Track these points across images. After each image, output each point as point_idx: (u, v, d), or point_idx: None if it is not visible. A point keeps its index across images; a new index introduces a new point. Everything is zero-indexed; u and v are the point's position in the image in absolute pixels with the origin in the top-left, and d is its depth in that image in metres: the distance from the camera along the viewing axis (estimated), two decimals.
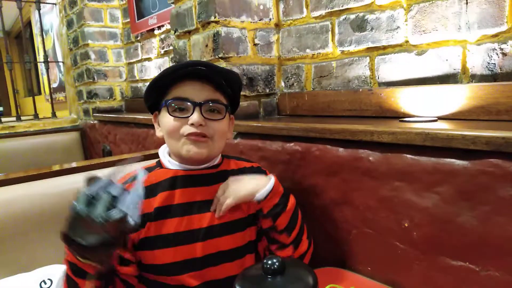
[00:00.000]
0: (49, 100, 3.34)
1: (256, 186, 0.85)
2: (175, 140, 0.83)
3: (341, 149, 0.98)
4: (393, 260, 0.89)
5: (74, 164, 1.30)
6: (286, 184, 1.15)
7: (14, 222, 0.99)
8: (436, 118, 0.95)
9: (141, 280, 0.88)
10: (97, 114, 2.63)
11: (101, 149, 2.58)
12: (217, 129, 0.84)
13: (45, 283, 0.87)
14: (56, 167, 1.21)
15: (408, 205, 0.84)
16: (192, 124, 0.81)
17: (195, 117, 0.81)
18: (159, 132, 0.89)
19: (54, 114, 3.09)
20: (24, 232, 1.00)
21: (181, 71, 0.82)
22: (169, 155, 0.91)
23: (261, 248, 0.97)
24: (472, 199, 0.74)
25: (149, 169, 0.89)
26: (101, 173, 0.62)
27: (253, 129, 1.25)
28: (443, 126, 0.83)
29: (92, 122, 2.74)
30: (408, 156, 0.83)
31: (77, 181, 1.14)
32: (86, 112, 2.80)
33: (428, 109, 0.99)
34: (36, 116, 2.99)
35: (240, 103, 1.35)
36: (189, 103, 0.81)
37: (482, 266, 0.73)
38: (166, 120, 0.84)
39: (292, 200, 0.91)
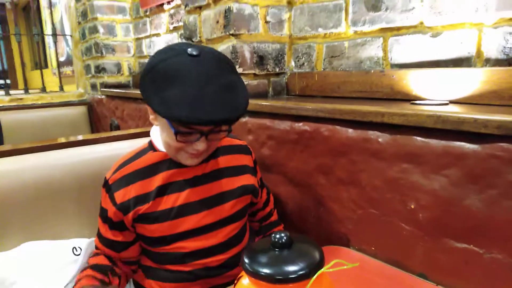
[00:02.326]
0: (56, 74, 3.34)
1: None
2: (175, 151, 0.83)
3: (350, 130, 0.98)
4: (397, 240, 0.90)
5: (80, 137, 1.31)
6: (293, 163, 1.16)
7: (24, 191, 1.01)
8: (448, 102, 0.95)
9: (142, 253, 0.94)
10: (105, 89, 2.63)
11: (109, 124, 2.59)
12: (217, 143, 0.86)
13: (76, 250, 0.95)
14: (62, 140, 1.22)
15: (415, 187, 0.84)
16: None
17: (201, 146, 0.79)
18: (154, 121, 0.86)
19: (61, 88, 3.10)
20: (34, 200, 1.02)
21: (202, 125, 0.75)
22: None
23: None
24: (480, 183, 0.74)
25: (143, 151, 0.91)
26: None
27: (262, 108, 1.25)
28: (455, 110, 0.83)
29: (99, 97, 2.74)
30: (418, 138, 0.83)
31: (83, 153, 1.16)
32: (93, 86, 2.81)
33: (440, 93, 0.98)
34: (43, 89, 3.00)
35: (250, 81, 1.35)
36: (197, 133, 0.78)
37: (486, 249, 0.74)
38: (168, 135, 0.80)
39: None
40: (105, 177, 0.89)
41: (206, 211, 0.88)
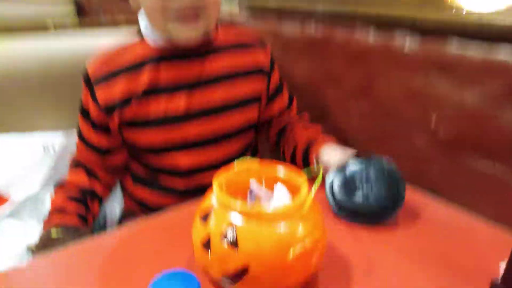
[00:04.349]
0: None
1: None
2: (161, 20, 0.69)
3: (371, 35, 0.84)
4: (410, 157, 0.82)
5: (67, 21, 1.17)
6: (300, 72, 1.04)
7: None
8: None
9: (131, 157, 0.84)
10: None
11: None
12: (210, 2, 0.69)
13: (48, 150, 0.87)
14: (39, 24, 1.06)
15: (440, 99, 0.74)
16: None
17: None
18: (133, 1, 0.73)
19: None
20: (5, 89, 0.90)
21: None
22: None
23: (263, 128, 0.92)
24: None
25: (131, 42, 0.77)
26: None
27: (267, 4, 1.08)
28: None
29: None
30: (454, 45, 0.71)
31: (63, 40, 1.01)
32: None
33: None
34: None
35: None
36: None
37: None
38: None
39: None
40: (86, 68, 0.76)
41: (204, 122, 0.77)
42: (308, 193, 0.48)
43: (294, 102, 0.93)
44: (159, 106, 0.74)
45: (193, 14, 0.68)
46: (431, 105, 0.76)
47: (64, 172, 0.79)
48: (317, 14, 0.95)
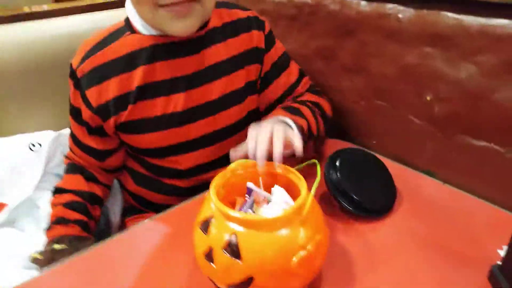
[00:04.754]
0: None
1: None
2: (149, 10, 0.61)
3: (363, 3, 0.80)
4: (404, 135, 0.81)
5: (45, 7, 1.09)
6: (288, 45, 0.99)
7: None
8: None
9: (130, 157, 0.80)
10: None
11: None
12: None
13: (34, 146, 0.84)
14: (9, 11, 0.99)
15: (436, 76, 0.71)
16: None
17: None
18: None
19: None
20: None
21: None
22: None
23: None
24: None
25: (118, 32, 0.69)
26: None
27: None
28: None
29: None
30: (450, 15, 0.67)
31: (37, 29, 0.94)
32: None
33: None
34: None
35: None
36: None
37: (509, 148, 0.66)
38: None
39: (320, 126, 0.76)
40: (71, 65, 0.68)
41: (206, 119, 0.72)
42: (307, 195, 0.47)
43: (300, 85, 0.84)
44: (157, 107, 0.69)
45: (184, 6, 0.60)
46: (426, 83, 0.73)
47: (57, 172, 0.76)
48: None
